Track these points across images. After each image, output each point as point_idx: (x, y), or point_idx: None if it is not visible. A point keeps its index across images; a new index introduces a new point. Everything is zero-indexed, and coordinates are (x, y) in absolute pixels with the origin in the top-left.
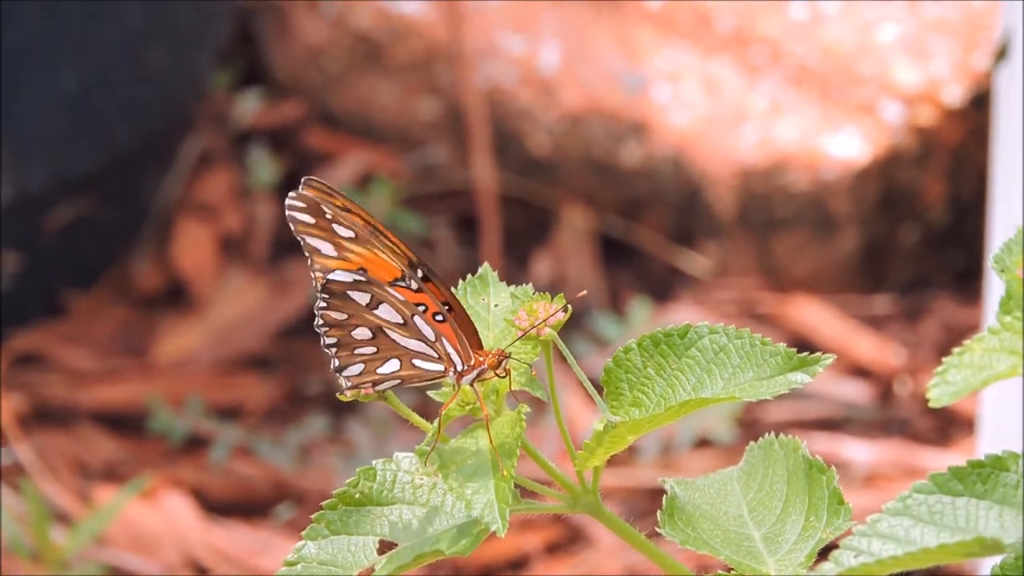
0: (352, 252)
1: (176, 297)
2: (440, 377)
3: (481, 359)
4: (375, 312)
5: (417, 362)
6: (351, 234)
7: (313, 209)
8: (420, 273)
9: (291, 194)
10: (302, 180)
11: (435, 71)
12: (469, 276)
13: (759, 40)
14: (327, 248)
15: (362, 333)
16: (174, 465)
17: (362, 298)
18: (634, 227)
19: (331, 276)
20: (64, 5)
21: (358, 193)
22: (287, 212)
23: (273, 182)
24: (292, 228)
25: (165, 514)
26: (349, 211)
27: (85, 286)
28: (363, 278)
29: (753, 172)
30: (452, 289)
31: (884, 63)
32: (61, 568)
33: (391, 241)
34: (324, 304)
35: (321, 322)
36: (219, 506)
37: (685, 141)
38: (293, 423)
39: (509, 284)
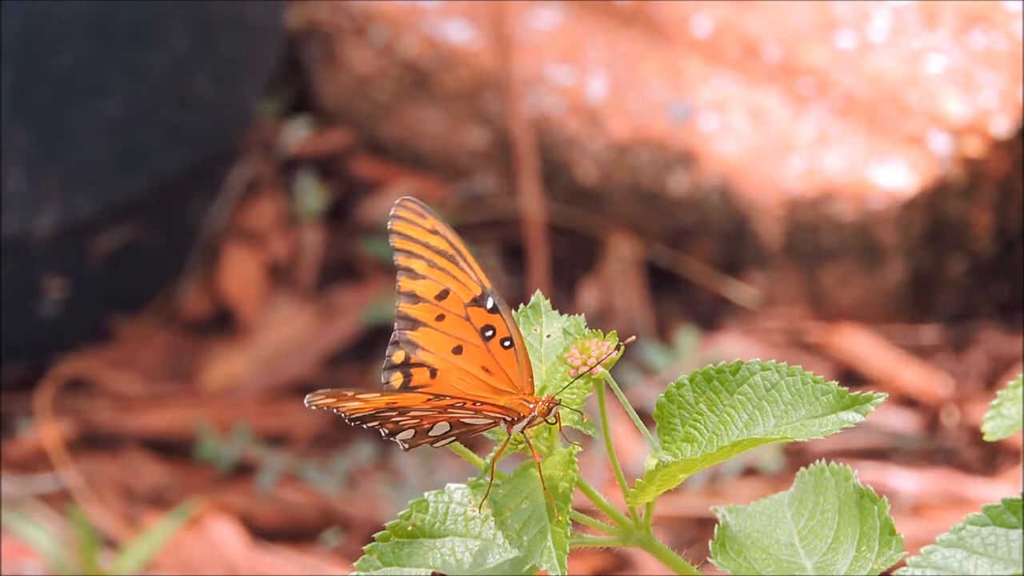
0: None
1: (223, 324)
2: (493, 426)
3: (531, 407)
4: (406, 415)
5: (466, 420)
6: (375, 394)
7: (334, 396)
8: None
9: (308, 397)
10: (397, 202)
11: (483, 100)
12: (521, 306)
13: (806, 70)
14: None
15: (401, 414)
16: (221, 491)
17: (390, 414)
18: (681, 257)
19: (351, 417)
20: (112, 32)
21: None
22: (308, 405)
23: (320, 210)
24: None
25: (212, 540)
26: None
27: (133, 312)
28: (380, 411)
29: (800, 202)
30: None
31: (932, 94)
32: None
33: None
34: (357, 421)
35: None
36: (266, 532)
37: (732, 171)
38: (340, 450)
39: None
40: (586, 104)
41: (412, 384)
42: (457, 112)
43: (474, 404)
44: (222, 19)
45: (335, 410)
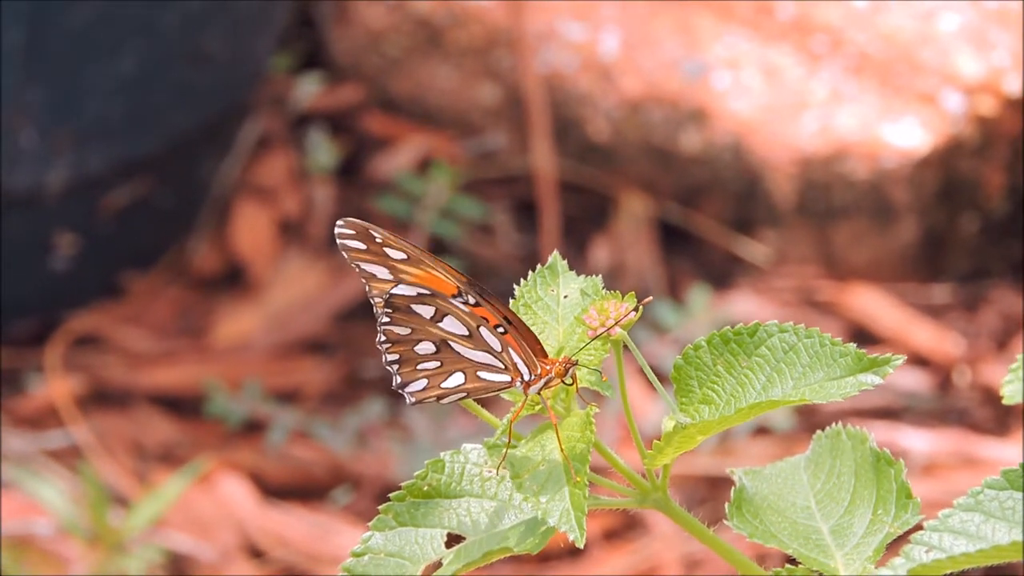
0: (408, 273)
1: (234, 280)
2: (507, 387)
3: (548, 368)
4: (440, 324)
5: (482, 374)
6: (404, 256)
7: (363, 235)
8: (472, 300)
9: (339, 222)
10: (339, 222)
11: (495, 56)
12: (538, 266)
13: (820, 28)
14: (382, 272)
15: (426, 347)
16: (231, 448)
17: (426, 311)
18: (693, 214)
19: (394, 291)
20: None
21: (417, 178)
22: (338, 241)
23: (331, 165)
24: (345, 256)
25: (222, 497)
26: (390, 243)
27: (143, 268)
28: (427, 291)
29: (813, 160)
30: (509, 297)
31: (945, 53)
32: (118, 550)
33: (438, 265)
34: (387, 319)
35: (384, 339)
36: (276, 490)
37: (745, 129)
38: (350, 407)
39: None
40: (599, 61)
41: None
42: (469, 68)
43: (495, 328)
44: None
45: (358, 270)
